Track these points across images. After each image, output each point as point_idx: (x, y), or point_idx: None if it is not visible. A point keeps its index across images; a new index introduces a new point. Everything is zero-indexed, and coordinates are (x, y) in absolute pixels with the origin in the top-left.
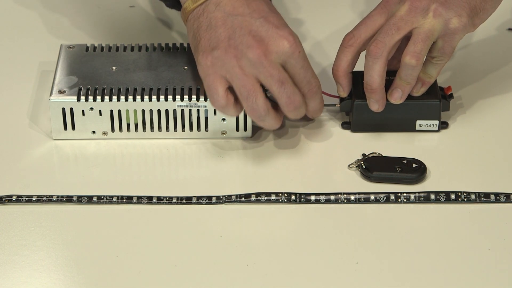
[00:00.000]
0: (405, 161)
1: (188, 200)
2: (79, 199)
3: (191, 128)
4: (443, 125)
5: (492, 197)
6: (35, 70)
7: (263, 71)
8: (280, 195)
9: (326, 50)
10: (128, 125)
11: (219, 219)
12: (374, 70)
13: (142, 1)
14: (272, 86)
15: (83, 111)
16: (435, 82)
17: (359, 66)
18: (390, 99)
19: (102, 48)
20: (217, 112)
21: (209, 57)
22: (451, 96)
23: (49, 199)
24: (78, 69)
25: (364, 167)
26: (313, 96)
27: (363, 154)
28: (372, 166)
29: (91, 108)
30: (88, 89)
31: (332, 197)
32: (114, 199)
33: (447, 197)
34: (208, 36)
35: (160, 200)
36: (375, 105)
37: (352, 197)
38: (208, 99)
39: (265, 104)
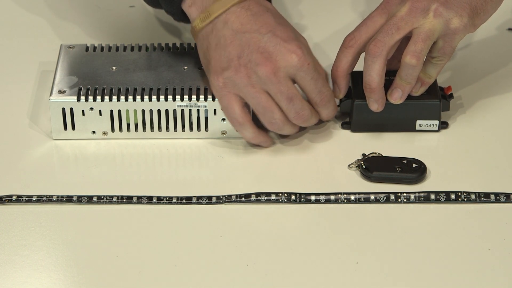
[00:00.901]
0: (405, 161)
1: (188, 200)
2: (79, 199)
3: (191, 128)
4: (443, 125)
5: (492, 197)
6: (35, 70)
7: (272, 88)
8: (280, 195)
9: (327, 50)
10: (128, 125)
11: (219, 219)
12: (373, 69)
13: (142, 1)
14: (280, 101)
15: (83, 111)
16: (435, 82)
17: (359, 66)
18: (390, 99)
19: (102, 48)
20: (217, 112)
21: (220, 78)
22: (451, 96)
23: (49, 199)
24: (78, 69)
25: (364, 167)
26: (325, 104)
27: (363, 154)
28: (372, 166)
29: (91, 108)
30: (88, 89)
31: (332, 197)
32: (114, 199)
33: (447, 197)
34: (218, 56)
35: (160, 200)
36: (375, 104)
37: (352, 197)
38: (207, 100)
39: (282, 117)
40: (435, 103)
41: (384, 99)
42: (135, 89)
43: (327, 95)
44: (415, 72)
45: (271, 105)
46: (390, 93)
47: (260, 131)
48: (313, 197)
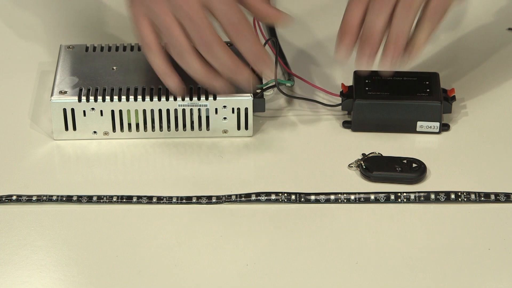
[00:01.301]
0: (405, 161)
1: (188, 200)
2: (79, 199)
3: (192, 127)
4: (445, 127)
5: (492, 197)
6: (35, 70)
7: (180, 11)
8: (280, 195)
9: (324, 46)
10: (129, 125)
11: (219, 219)
12: (378, 17)
13: None
14: (186, 25)
15: (84, 111)
16: (438, 83)
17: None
18: (382, 64)
19: (102, 48)
20: (218, 111)
21: (135, 1)
22: (453, 98)
23: (49, 199)
24: (78, 70)
25: (364, 166)
26: (240, 38)
27: (363, 154)
28: (372, 166)
29: (92, 109)
30: (89, 90)
31: (332, 197)
32: (114, 199)
33: (447, 197)
34: None
35: (160, 200)
36: (343, 50)
37: (352, 197)
38: (208, 99)
39: (183, 39)
40: (436, 104)
41: (351, 51)
42: (136, 89)
43: (240, 25)
44: (406, 23)
45: (174, 24)
46: (381, 60)
47: (172, 67)
48: (313, 197)
